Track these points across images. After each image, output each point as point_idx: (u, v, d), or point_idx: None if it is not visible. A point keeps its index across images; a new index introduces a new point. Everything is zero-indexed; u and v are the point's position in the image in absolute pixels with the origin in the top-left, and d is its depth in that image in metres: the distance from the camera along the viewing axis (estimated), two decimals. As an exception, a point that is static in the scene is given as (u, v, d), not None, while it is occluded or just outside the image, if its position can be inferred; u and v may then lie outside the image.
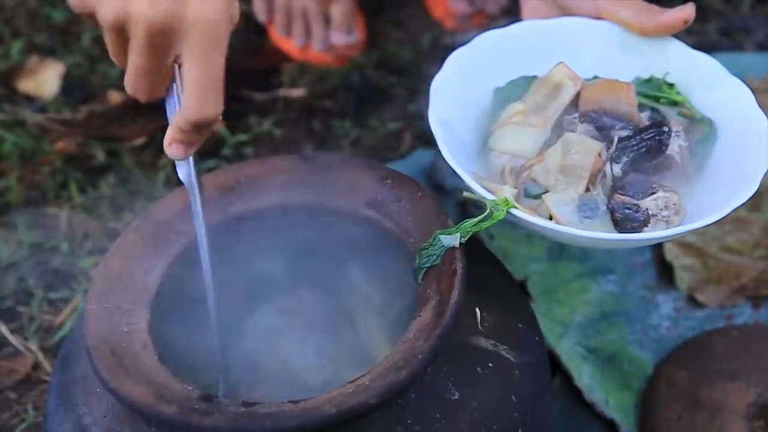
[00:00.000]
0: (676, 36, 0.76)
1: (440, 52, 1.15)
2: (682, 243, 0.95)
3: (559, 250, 0.96)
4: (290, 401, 0.56)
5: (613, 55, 0.76)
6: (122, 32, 0.57)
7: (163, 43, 0.57)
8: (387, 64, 1.25)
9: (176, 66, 0.60)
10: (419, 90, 1.20)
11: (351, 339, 0.74)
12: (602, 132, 0.70)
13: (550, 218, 0.66)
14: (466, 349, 0.62)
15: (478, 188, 0.65)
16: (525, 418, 0.62)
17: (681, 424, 0.81)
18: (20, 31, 1.29)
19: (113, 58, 0.61)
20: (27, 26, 1.29)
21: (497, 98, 0.75)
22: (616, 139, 0.69)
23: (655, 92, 0.74)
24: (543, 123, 0.71)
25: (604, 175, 0.68)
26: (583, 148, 0.68)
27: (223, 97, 0.59)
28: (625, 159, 0.68)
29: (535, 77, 0.74)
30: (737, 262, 0.94)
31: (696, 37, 1.22)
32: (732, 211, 0.64)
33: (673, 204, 0.66)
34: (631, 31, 0.75)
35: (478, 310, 0.64)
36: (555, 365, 0.87)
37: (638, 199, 0.66)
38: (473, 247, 0.65)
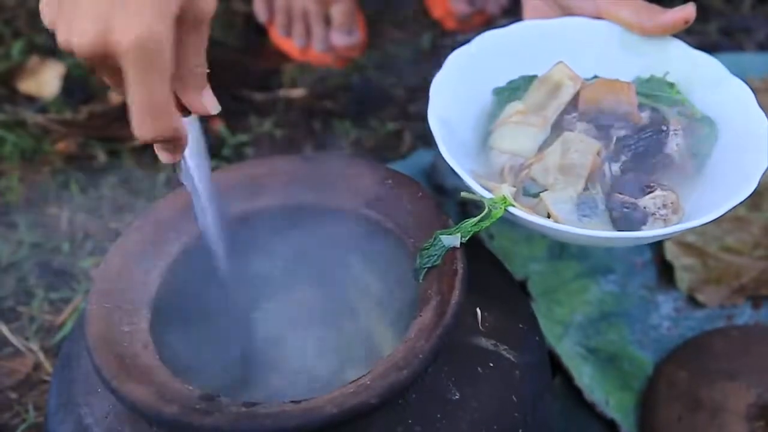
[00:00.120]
0: (677, 36, 0.76)
1: (440, 52, 1.15)
2: (683, 243, 0.95)
3: (560, 250, 0.96)
4: (291, 401, 0.56)
5: (613, 54, 0.76)
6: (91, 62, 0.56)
7: (108, 69, 0.55)
8: (387, 65, 1.25)
9: None
10: (419, 90, 1.20)
11: (351, 339, 0.74)
12: (601, 131, 0.70)
13: (549, 217, 0.66)
14: (467, 349, 0.62)
15: (476, 187, 0.65)
16: (525, 418, 0.62)
17: (681, 424, 0.81)
18: (21, 32, 1.29)
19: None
20: (27, 26, 1.29)
21: (497, 98, 0.75)
22: (614, 138, 0.69)
23: (656, 92, 0.74)
24: (542, 122, 0.71)
25: (603, 174, 0.69)
26: (582, 147, 0.68)
27: (172, 117, 0.55)
28: (623, 158, 0.69)
29: (534, 77, 0.74)
30: (737, 262, 0.94)
31: (696, 37, 1.22)
32: (730, 210, 0.64)
33: (671, 203, 0.66)
34: (631, 30, 0.75)
35: (478, 310, 0.64)
36: (555, 365, 0.87)
37: (636, 198, 0.66)
38: (473, 247, 0.65)
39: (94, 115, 1.18)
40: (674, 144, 0.69)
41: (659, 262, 0.96)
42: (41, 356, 0.94)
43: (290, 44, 1.26)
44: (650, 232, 0.65)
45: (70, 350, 0.67)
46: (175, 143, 0.58)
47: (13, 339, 0.95)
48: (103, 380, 0.58)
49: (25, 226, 1.06)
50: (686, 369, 0.84)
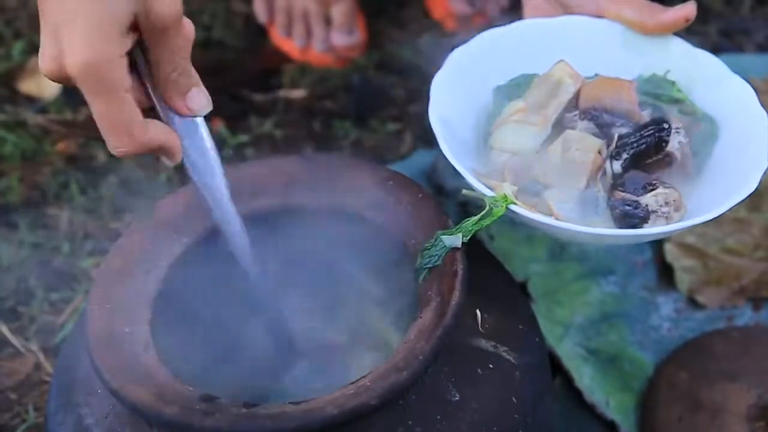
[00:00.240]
0: (677, 34, 0.76)
1: (441, 52, 1.15)
2: (683, 244, 0.95)
3: (560, 251, 0.96)
4: (291, 402, 0.56)
5: (614, 53, 0.76)
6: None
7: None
8: (387, 65, 1.25)
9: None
10: (420, 91, 1.20)
11: (351, 340, 0.74)
12: (602, 129, 0.70)
13: (550, 215, 0.66)
14: (467, 350, 0.62)
15: (477, 184, 0.65)
16: (525, 419, 0.62)
17: (681, 425, 0.81)
18: (21, 32, 1.29)
19: None
20: (28, 27, 1.29)
21: (498, 96, 0.75)
22: (616, 136, 0.69)
23: (657, 90, 0.74)
24: (543, 121, 0.71)
25: (604, 172, 0.68)
26: (584, 145, 0.68)
27: (135, 133, 0.56)
28: (625, 156, 0.68)
29: (535, 75, 0.74)
30: (737, 264, 0.94)
31: (696, 38, 1.21)
32: (732, 208, 0.64)
33: (673, 200, 0.66)
34: (632, 29, 0.75)
35: (478, 312, 0.64)
36: (555, 366, 0.87)
37: (638, 196, 0.66)
38: (474, 248, 0.65)
39: (94, 116, 1.18)
40: (676, 142, 0.69)
41: (659, 263, 0.96)
42: (41, 357, 0.94)
43: (290, 44, 1.26)
44: (652, 229, 0.65)
45: (71, 351, 0.67)
46: (160, 150, 0.58)
47: (13, 339, 0.95)
48: (103, 381, 0.58)
49: (25, 226, 1.06)
50: (687, 370, 0.84)
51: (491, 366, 0.62)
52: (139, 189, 1.10)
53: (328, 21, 1.24)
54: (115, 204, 1.08)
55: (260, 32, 1.29)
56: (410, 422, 0.58)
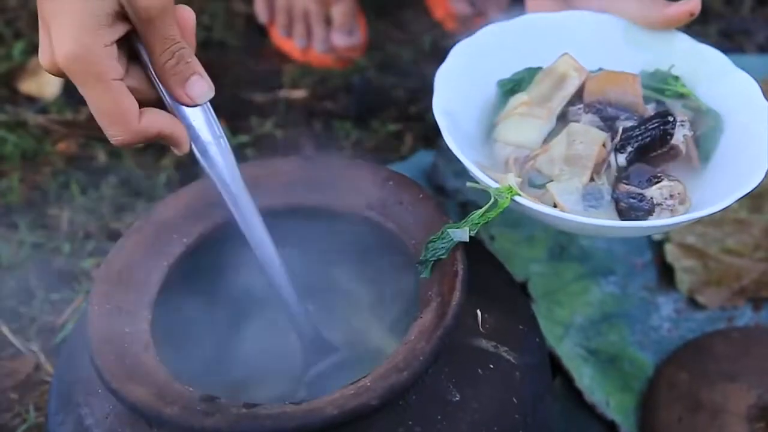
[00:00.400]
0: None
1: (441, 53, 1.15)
2: (683, 245, 0.95)
3: (560, 251, 0.96)
4: (292, 402, 0.56)
5: (618, 48, 0.76)
6: None
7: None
8: (388, 66, 1.25)
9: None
10: (420, 91, 1.20)
11: (351, 340, 0.74)
12: (607, 122, 0.70)
13: (555, 207, 0.66)
14: (467, 350, 0.62)
15: (482, 176, 0.64)
16: (526, 419, 0.62)
17: (681, 425, 0.81)
18: (22, 32, 1.29)
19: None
20: (29, 27, 1.29)
21: (501, 89, 0.75)
22: (620, 129, 0.69)
23: (661, 85, 0.74)
24: (547, 114, 0.71)
25: (609, 165, 0.68)
26: (588, 138, 0.68)
27: (129, 121, 0.56)
28: (629, 149, 0.68)
29: (539, 69, 0.74)
30: (738, 264, 0.94)
31: (697, 38, 1.22)
32: (737, 200, 0.64)
33: (678, 193, 0.66)
34: (636, 24, 0.75)
35: (479, 312, 0.64)
36: (556, 367, 0.87)
37: (643, 189, 0.66)
38: (474, 248, 0.65)
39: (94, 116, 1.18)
40: (680, 135, 0.69)
41: (660, 263, 0.96)
42: (42, 357, 0.94)
43: (291, 45, 1.26)
44: (657, 221, 0.65)
45: (71, 351, 0.67)
46: (164, 138, 0.58)
47: (14, 340, 0.95)
48: (103, 381, 0.58)
49: (25, 226, 1.06)
50: (687, 370, 0.84)
51: (491, 366, 0.62)
52: (140, 189, 1.10)
53: (328, 21, 1.24)
54: (115, 204, 1.08)
55: (261, 32, 1.29)
56: (410, 422, 0.58)
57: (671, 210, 0.66)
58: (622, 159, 0.68)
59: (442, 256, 0.62)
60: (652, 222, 0.65)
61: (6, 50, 1.26)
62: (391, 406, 0.57)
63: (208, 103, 0.61)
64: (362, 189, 0.69)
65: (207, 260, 0.69)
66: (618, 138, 0.69)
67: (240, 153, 1.13)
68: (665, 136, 0.68)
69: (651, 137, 0.68)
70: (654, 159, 0.69)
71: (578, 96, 0.72)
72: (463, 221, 0.63)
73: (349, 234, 0.70)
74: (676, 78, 0.74)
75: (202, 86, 0.59)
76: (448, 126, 0.67)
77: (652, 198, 0.66)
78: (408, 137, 1.16)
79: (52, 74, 0.57)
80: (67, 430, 0.62)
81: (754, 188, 0.64)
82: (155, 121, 0.58)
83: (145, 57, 0.58)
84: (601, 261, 0.95)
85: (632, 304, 0.93)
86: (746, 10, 1.30)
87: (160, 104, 0.60)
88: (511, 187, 0.63)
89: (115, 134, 0.57)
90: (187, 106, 0.59)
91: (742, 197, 0.64)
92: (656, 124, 0.68)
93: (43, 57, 0.56)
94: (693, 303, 0.93)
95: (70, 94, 1.20)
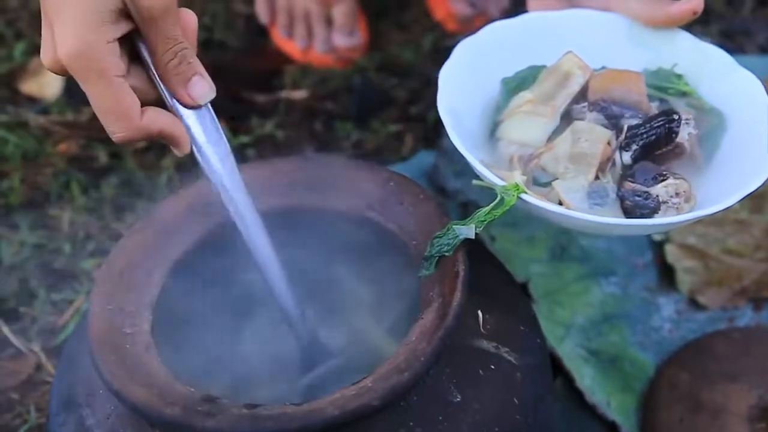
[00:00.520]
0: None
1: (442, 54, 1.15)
2: (684, 245, 0.95)
3: (561, 251, 0.96)
4: (293, 403, 0.56)
5: (621, 46, 0.76)
6: None
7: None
8: (389, 66, 1.25)
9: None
10: (421, 92, 1.21)
11: (352, 341, 0.74)
12: (611, 120, 0.70)
13: (560, 205, 0.66)
14: (468, 351, 0.62)
15: (488, 174, 0.64)
16: (527, 420, 0.62)
17: (682, 425, 0.81)
18: (23, 33, 1.29)
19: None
20: (30, 28, 1.29)
21: (505, 88, 0.75)
22: (625, 128, 0.69)
23: (664, 83, 0.74)
24: (551, 112, 0.71)
25: (614, 164, 0.68)
26: (593, 136, 0.68)
27: (131, 118, 0.57)
28: (634, 147, 0.68)
29: (543, 67, 0.74)
30: (738, 265, 0.94)
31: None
32: (742, 199, 0.64)
33: (684, 191, 0.66)
34: (639, 22, 0.75)
35: (480, 313, 0.64)
36: (557, 367, 0.87)
37: (648, 187, 0.66)
38: (475, 249, 0.65)
39: (95, 117, 1.18)
40: (685, 133, 0.69)
41: (660, 264, 0.96)
42: (43, 357, 0.94)
43: (292, 45, 1.26)
44: (664, 219, 0.65)
45: (72, 351, 0.67)
46: (165, 137, 0.58)
47: (14, 340, 0.95)
48: (104, 382, 0.58)
49: (26, 226, 1.06)
50: (687, 371, 0.84)
51: (492, 367, 0.62)
52: (141, 190, 1.10)
53: (329, 22, 1.24)
54: (116, 205, 1.08)
55: (261, 33, 1.29)
56: (411, 423, 0.58)
57: (677, 208, 0.66)
58: (627, 157, 0.68)
59: (447, 253, 0.62)
60: (658, 220, 0.65)
61: (7, 51, 1.26)
62: (392, 407, 0.57)
63: (209, 104, 0.61)
64: (363, 190, 0.69)
65: (208, 261, 0.69)
66: (623, 136, 0.69)
67: (240, 153, 1.13)
68: (670, 134, 0.68)
69: (656, 135, 0.68)
70: (659, 157, 0.69)
71: (582, 94, 0.72)
72: (469, 218, 0.63)
73: (349, 235, 0.70)
74: (679, 76, 0.74)
75: (203, 87, 0.59)
76: (454, 124, 0.67)
77: (657, 196, 0.65)
78: (408, 138, 1.16)
79: (54, 72, 0.57)
80: (68, 431, 0.62)
81: (759, 187, 0.64)
82: (157, 119, 0.58)
83: (147, 57, 0.58)
84: (602, 261, 0.95)
85: (633, 305, 0.93)
86: (747, 11, 1.30)
87: (160, 104, 0.60)
88: (517, 185, 0.63)
89: (116, 131, 0.57)
90: (189, 106, 0.59)
91: (746, 196, 0.64)
92: (661, 122, 0.68)
93: (45, 54, 0.56)
94: (694, 303, 0.93)
95: (71, 95, 1.21)
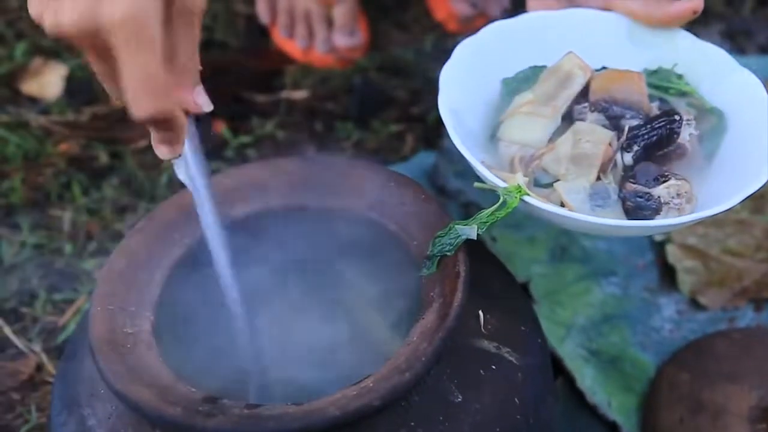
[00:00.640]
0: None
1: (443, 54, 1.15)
2: (684, 245, 0.95)
3: (561, 252, 0.96)
4: (294, 403, 0.56)
5: (621, 46, 0.76)
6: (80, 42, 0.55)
7: (96, 49, 0.54)
8: (389, 66, 1.25)
9: None
10: (422, 92, 1.21)
11: (352, 341, 0.74)
12: (613, 121, 0.70)
13: (562, 206, 0.66)
14: (469, 351, 0.62)
15: (490, 176, 0.64)
16: (528, 420, 0.62)
17: (683, 426, 0.81)
18: (24, 33, 1.29)
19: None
20: (31, 28, 1.29)
21: (505, 88, 0.75)
22: (626, 128, 0.69)
23: (664, 83, 0.74)
24: (552, 113, 0.71)
25: (615, 164, 0.68)
26: (594, 137, 0.68)
27: (167, 93, 0.54)
28: (636, 148, 0.68)
29: (543, 67, 0.74)
30: (739, 265, 0.94)
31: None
32: (744, 200, 0.64)
33: (685, 192, 0.66)
34: (639, 22, 0.75)
35: (481, 313, 0.64)
36: (557, 367, 0.87)
37: (650, 188, 0.66)
38: (476, 249, 0.65)
39: (96, 117, 1.18)
40: (687, 134, 0.69)
41: (661, 264, 0.96)
42: (44, 357, 0.94)
43: (292, 45, 1.26)
44: (665, 221, 0.65)
45: (73, 351, 0.67)
46: (174, 129, 0.58)
47: (15, 340, 0.95)
48: (106, 382, 0.58)
49: (27, 227, 1.06)
50: (688, 371, 0.84)
51: (493, 367, 0.62)
52: (142, 190, 1.10)
53: (330, 22, 1.24)
54: (117, 205, 1.08)
55: (262, 33, 1.29)
56: (412, 423, 0.58)
57: (678, 209, 0.66)
58: (628, 158, 0.68)
59: (448, 253, 0.62)
60: (660, 221, 0.65)
61: (8, 51, 1.26)
62: (393, 407, 0.57)
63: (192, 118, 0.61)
64: (363, 190, 0.69)
65: (209, 260, 0.69)
66: (624, 137, 0.69)
67: (241, 153, 1.13)
68: (672, 135, 0.68)
69: (658, 136, 0.68)
70: (660, 158, 0.69)
71: (583, 95, 0.72)
72: (471, 219, 0.63)
73: (350, 235, 0.70)
74: (680, 76, 0.74)
75: (205, 97, 0.59)
76: (454, 124, 0.67)
77: (659, 197, 0.65)
78: (409, 138, 1.16)
79: (70, 35, 0.53)
80: (70, 431, 0.62)
81: (761, 187, 0.64)
82: (182, 101, 0.57)
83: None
84: (603, 262, 0.96)
85: (634, 305, 0.93)
86: (747, 11, 1.30)
87: None
88: (519, 187, 0.63)
89: (149, 106, 0.54)
90: (190, 112, 0.59)
91: (749, 196, 0.64)
92: (663, 123, 0.68)
93: (73, 12, 0.53)
94: (694, 304, 0.93)
95: (72, 95, 1.21)
